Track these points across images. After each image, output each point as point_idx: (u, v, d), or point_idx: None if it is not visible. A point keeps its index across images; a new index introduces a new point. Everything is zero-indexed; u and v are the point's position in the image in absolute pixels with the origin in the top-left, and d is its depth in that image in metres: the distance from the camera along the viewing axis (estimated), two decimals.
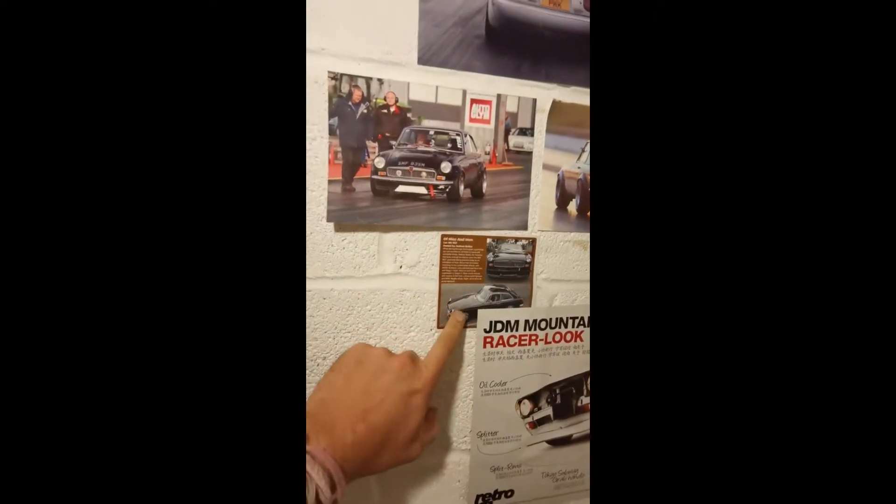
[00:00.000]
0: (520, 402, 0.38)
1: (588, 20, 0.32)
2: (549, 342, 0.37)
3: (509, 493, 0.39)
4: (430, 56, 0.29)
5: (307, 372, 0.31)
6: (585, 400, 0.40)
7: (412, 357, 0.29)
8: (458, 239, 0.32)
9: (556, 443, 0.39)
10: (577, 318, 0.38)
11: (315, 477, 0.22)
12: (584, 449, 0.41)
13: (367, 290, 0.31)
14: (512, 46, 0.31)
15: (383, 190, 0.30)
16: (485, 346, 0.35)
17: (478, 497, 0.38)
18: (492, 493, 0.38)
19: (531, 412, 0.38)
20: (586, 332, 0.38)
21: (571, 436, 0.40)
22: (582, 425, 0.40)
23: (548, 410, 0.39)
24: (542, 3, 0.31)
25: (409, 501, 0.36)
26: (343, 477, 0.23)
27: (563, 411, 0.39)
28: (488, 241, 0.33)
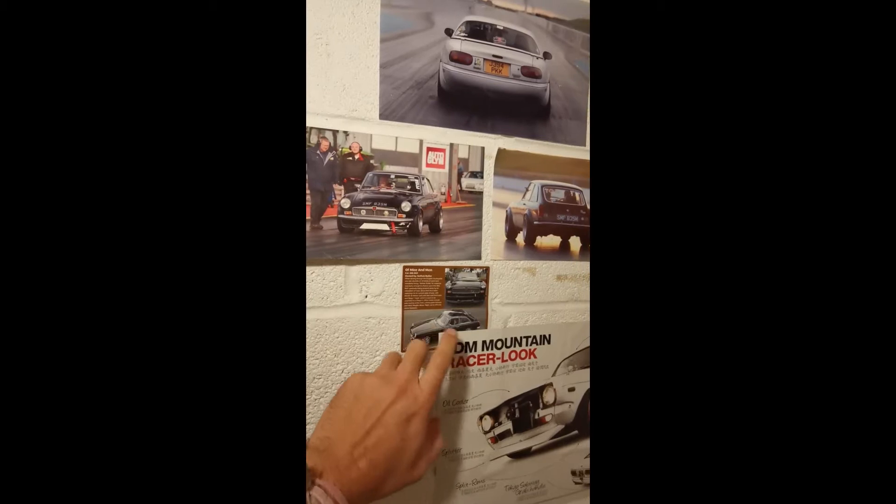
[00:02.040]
0: (481, 418, 0.40)
1: (526, 83, 0.38)
2: (506, 360, 0.41)
3: None
4: (389, 112, 0.34)
5: None
6: (542, 412, 0.43)
7: (411, 376, 0.30)
8: (419, 269, 0.36)
9: (516, 455, 0.42)
10: (529, 336, 0.42)
11: None
12: (544, 460, 0.44)
13: (334, 319, 0.34)
14: (461, 104, 0.36)
15: (349, 227, 0.33)
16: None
17: None
18: None
19: (492, 427, 0.41)
20: (539, 350, 0.42)
21: (531, 448, 0.43)
22: (540, 437, 0.43)
23: (508, 425, 0.42)
24: (486, 70, 0.37)
25: None
26: None
27: (522, 425, 0.42)
28: (446, 270, 0.37)
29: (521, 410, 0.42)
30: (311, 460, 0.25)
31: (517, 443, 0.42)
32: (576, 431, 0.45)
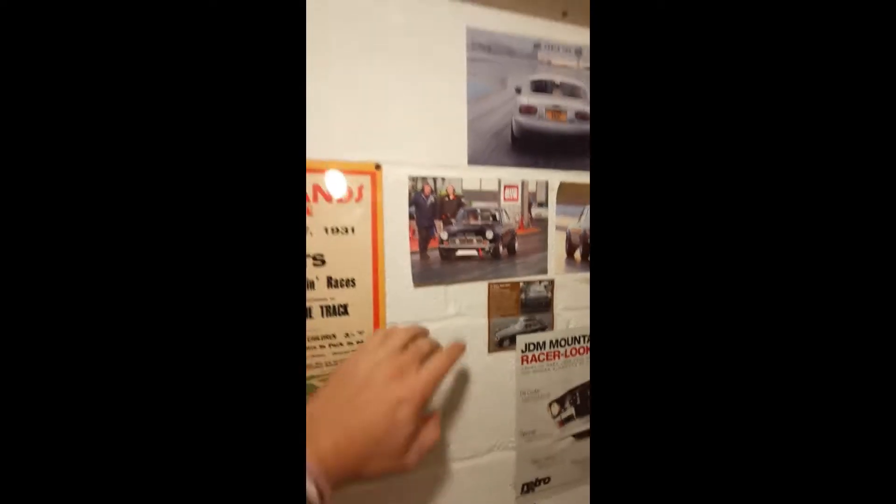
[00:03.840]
0: (550, 405, 0.48)
1: (580, 126, 0.45)
2: (569, 356, 0.49)
3: (547, 480, 0.49)
4: (475, 159, 0.42)
5: None
6: None
7: (404, 368, 0.28)
8: (500, 285, 0.44)
9: (579, 436, 0.50)
10: (586, 335, 0.49)
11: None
12: None
13: (437, 329, 0.42)
14: (529, 148, 0.44)
15: (447, 255, 0.41)
16: (522, 363, 0.46)
17: (523, 486, 0.48)
18: (533, 481, 0.48)
19: (559, 413, 0.49)
20: None
21: (589, 429, 0.51)
22: None
23: (571, 410, 0.50)
24: (548, 117, 0.44)
25: (465, 494, 0.46)
26: (327, 484, 0.23)
27: (582, 410, 0.50)
28: (521, 284, 0.45)
29: (581, 398, 0.50)
30: None
31: (579, 425, 0.50)
32: None
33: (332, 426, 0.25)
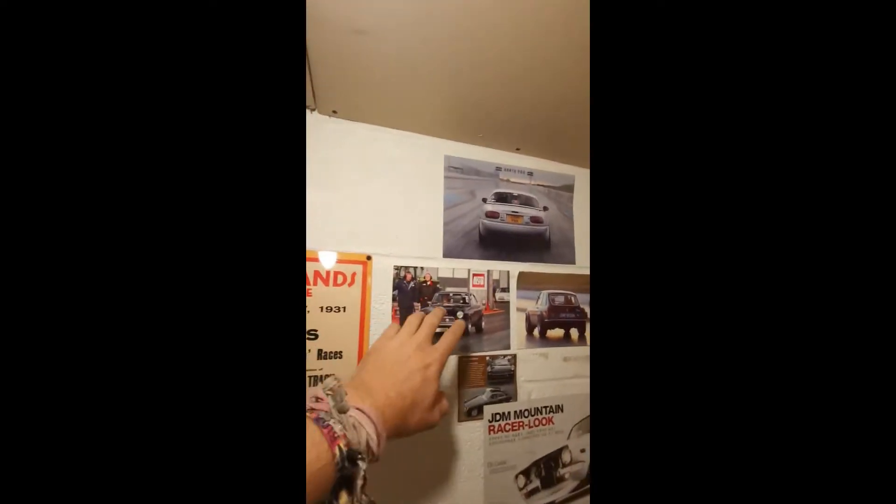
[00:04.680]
0: (516, 476, 0.52)
1: (534, 227, 0.57)
2: (532, 426, 0.53)
3: None
4: (449, 252, 0.52)
5: None
6: (562, 471, 0.54)
7: (422, 343, 0.35)
8: (469, 358, 0.51)
9: None
10: (547, 406, 0.55)
11: (366, 426, 0.27)
12: None
13: None
14: (494, 244, 0.54)
15: None
16: (490, 433, 0.51)
17: None
18: None
19: (525, 484, 0.52)
20: (555, 417, 0.55)
21: (555, 501, 0.53)
22: (561, 492, 0.54)
23: (536, 482, 0.53)
24: (508, 220, 0.56)
25: None
26: (384, 430, 0.29)
27: (547, 482, 0.53)
28: (487, 358, 0.52)
29: (546, 469, 0.54)
30: (350, 395, 0.29)
31: (545, 497, 0.53)
32: (589, 486, 0.56)
33: (384, 386, 0.31)
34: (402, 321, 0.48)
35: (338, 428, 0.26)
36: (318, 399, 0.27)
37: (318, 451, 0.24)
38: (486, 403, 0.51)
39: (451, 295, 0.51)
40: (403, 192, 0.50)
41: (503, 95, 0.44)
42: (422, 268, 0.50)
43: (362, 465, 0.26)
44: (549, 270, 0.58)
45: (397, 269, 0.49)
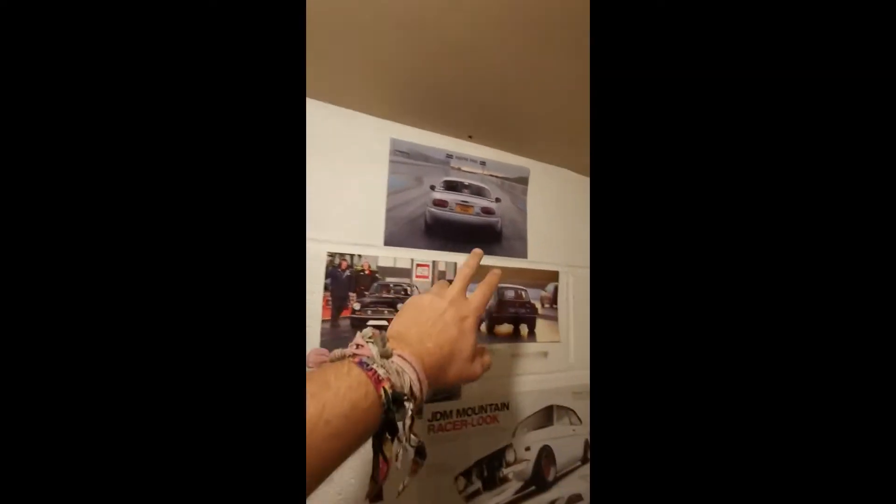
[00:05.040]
0: (456, 478, 0.49)
1: (485, 218, 0.55)
2: (475, 425, 0.51)
3: None
4: (391, 240, 0.48)
5: None
6: (505, 471, 0.52)
7: (459, 292, 0.35)
8: None
9: None
10: (492, 404, 0.53)
11: (409, 371, 0.27)
12: None
13: None
14: (441, 234, 0.52)
15: (359, 324, 0.45)
16: (429, 433, 0.48)
17: None
18: None
19: (465, 487, 0.49)
20: (500, 415, 0.53)
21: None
22: (504, 494, 0.52)
23: (478, 484, 0.50)
24: (458, 210, 0.53)
25: None
26: (425, 377, 0.28)
27: (490, 483, 0.51)
28: None
29: (489, 470, 0.51)
30: (390, 343, 0.29)
31: (487, 500, 0.50)
32: (533, 487, 0.54)
33: (420, 336, 0.31)
34: (334, 312, 0.44)
35: (381, 372, 0.26)
36: (359, 346, 0.28)
37: (366, 390, 0.25)
38: (427, 402, 0.48)
39: (391, 286, 0.48)
40: (342, 174, 0.47)
41: (456, 76, 0.41)
42: (359, 255, 0.47)
43: (409, 405, 0.26)
44: (499, 264, 0.56)
45: (331, 255, 0.45)
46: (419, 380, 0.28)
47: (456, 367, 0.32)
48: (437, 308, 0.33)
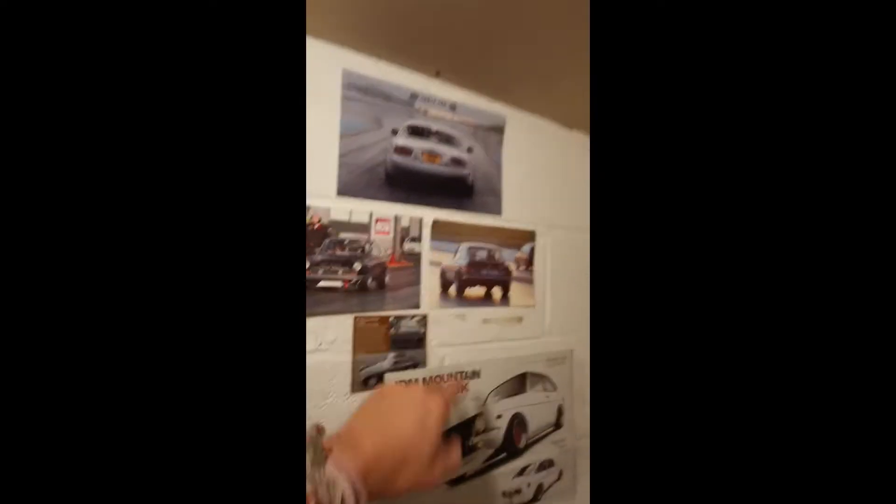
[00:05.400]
0: None
1: (454, 169, 0.49)
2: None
3: None
4: (345, 190, 0.42)
5: None
6: (475, 440, 0.50)
7: (426, 390, 0.32)
8: (367, 319, 0.43)
9: (454, 482, 0.48)
10: (462, 372, 0.49)
11: (341, 482, 0.24)
12: (477, 485, 0.50)
13: None
14: (404, 185, 0.46)
15: (308, 285, 0.39)
16: None
17: None
18: None
19: None
20: (471, 383, 0.50)
21: (465, 474, 0.48)
22: (473, 463, 0.49)
23: None
24: (424, 160, 0.47)
25: None
26: (364, 488, 0.25)
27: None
28: (390, 319, 0.44)
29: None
30: (335, 447, 0.26)
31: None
32: (504, 454, 0.52)
33: (373, 433, 0.28)
34: None
35: (308, 487, 0.24)
36: None
37: None
38: (389, 371, 0.44)
39: (345, 242, 0.42)
40: None
41: None
42: (307, 206, 0.40)
43: None
44: (470, 220, 0.51)
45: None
46: (354, 492, 0.25)
47: (409, 473, 0.28)
48: (403, 400, 0.31)
